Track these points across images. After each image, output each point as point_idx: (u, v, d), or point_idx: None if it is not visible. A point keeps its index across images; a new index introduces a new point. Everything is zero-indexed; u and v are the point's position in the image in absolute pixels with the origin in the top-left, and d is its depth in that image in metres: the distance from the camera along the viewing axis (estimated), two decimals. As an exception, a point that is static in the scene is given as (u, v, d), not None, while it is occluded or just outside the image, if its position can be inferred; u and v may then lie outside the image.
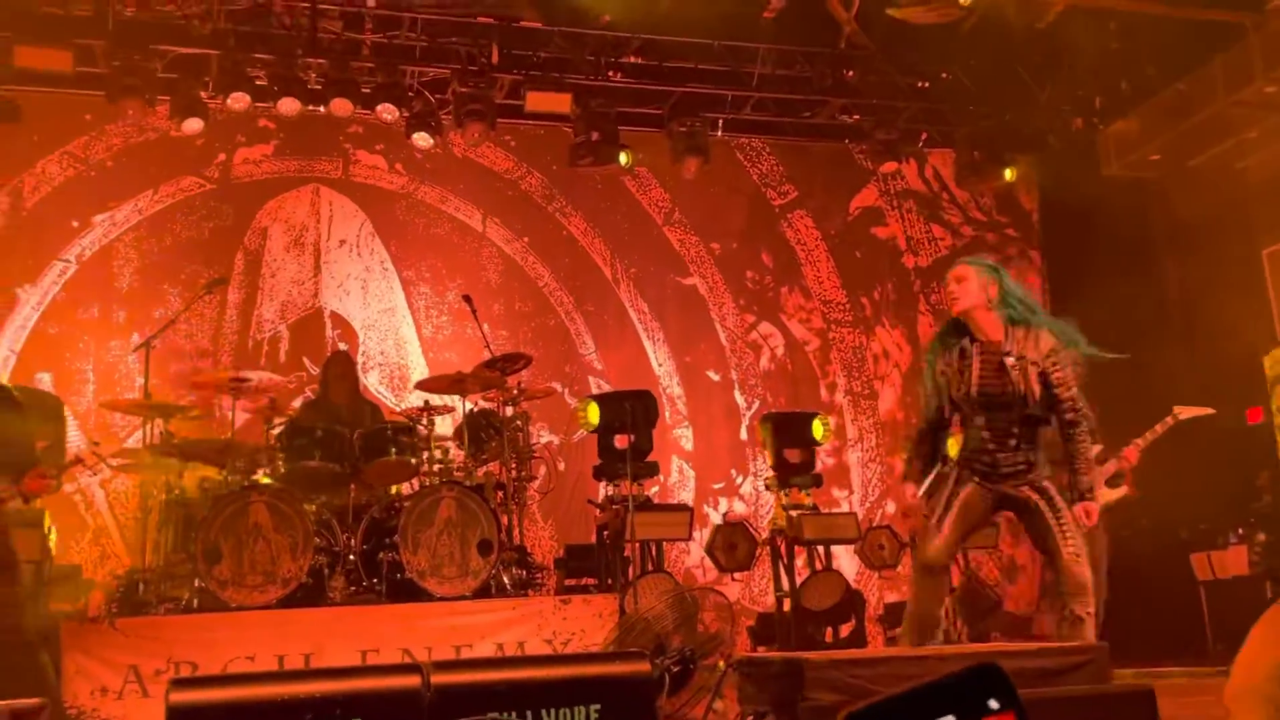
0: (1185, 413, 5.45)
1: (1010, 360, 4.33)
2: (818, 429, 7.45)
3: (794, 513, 7.31)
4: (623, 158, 8.30)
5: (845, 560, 7.82)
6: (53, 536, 6.38)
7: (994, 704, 0.93)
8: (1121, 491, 5.49)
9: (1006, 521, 8.68)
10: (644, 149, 8.54)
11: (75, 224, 7.89)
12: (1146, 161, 8.05)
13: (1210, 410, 5.54)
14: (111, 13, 7.14)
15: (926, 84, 8.51)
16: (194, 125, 7.50)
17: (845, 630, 7.12)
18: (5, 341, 7.45)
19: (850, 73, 8.34)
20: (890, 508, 8.87)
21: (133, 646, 5.40)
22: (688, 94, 8.40)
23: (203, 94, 7.50)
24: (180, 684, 3.18)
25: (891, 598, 8.07)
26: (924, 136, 9.08)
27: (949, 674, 0.95)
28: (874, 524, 8.06)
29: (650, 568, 6.82)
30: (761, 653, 6.71)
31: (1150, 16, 7.23)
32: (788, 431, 7.54)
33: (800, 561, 7.34)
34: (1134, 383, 6.03)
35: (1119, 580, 5.46)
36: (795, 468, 7.43)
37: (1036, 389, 4.29)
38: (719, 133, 8.73)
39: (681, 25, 7.76)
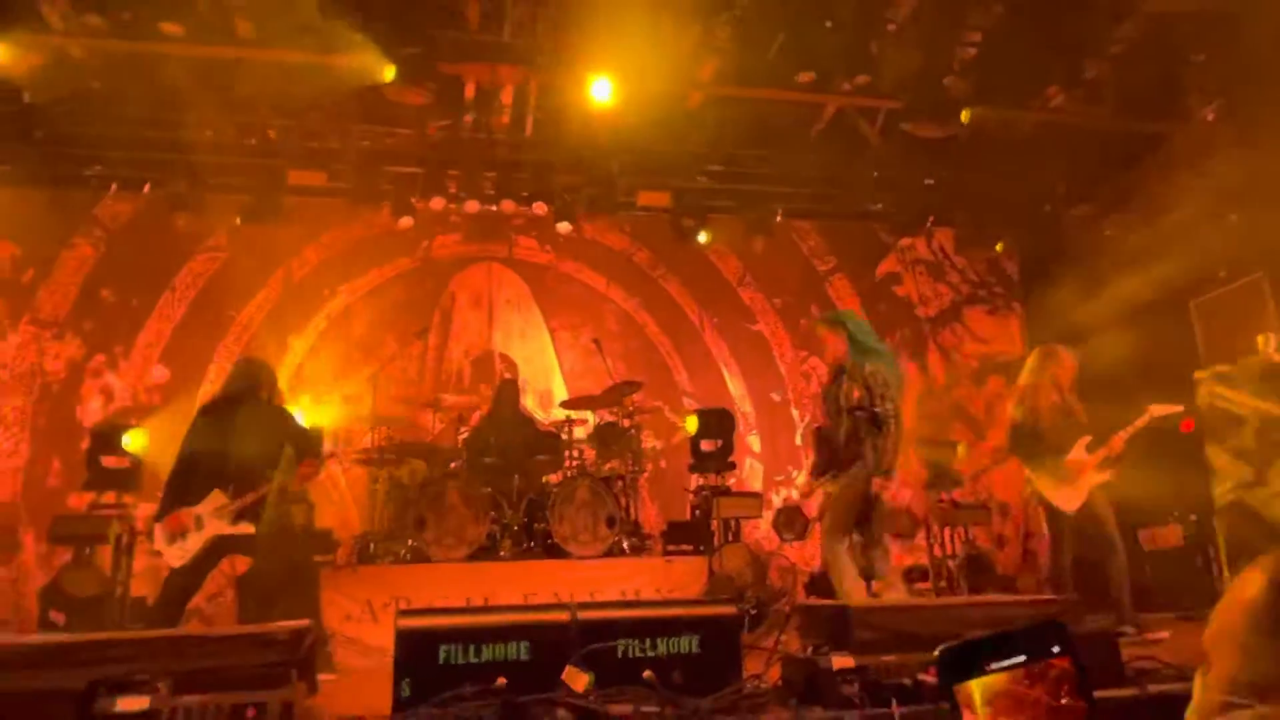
0: (1159, 410, 5.00)
1: (844, 383, 4.49)
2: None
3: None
4: (702, 236, 8.34)
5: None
6: (313, 508, 6.65)
7: (1056, 649, 0.95)
8: (1110, 473, 5.09)
9: (996, 504, 8.51)
10: (723, 229, 8.54)
11: (326, 292, 8.12)
12: (1101, 236, 7.85)
13: (1179, 408, 5.06)
14: (352, 145, 7.40)
15: (933, 180, 8.41)
16: (406, 221, 7.71)
17: (875, 586, 7.01)
18: (283, 376, 7.70)
19: (875, 173, 8.29)
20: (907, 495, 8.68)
21: (367, 586, 5.60)
22: (755, 190, 8.41)
23: (412, 199, 7.69)
24: (404, 613, 3.31)
25: (909, 560, 7.89)
26: (931, 219, 8.96)
27: (1024, 625, 0.97)
28: (896, 507, 7.91)
29: (730, 538, 6.79)
30: (814, 601, 6.66)
31: (1103, 129, 7.06)
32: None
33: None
34: (1100, 392, 5.68)
35: (1086, 551, 5.17)
36: (836, 465, 7.36)
37: (856, 401, 4.42)
38: (779, 217, 8.70)
39: (751, 141, 7.75)
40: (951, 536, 7.38)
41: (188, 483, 4.52)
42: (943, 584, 7.18)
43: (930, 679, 2.62)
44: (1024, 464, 5.28)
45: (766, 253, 8.62)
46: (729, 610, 3.27)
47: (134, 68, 6.26)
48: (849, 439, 4.47)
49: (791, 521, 7.28)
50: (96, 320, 7.66)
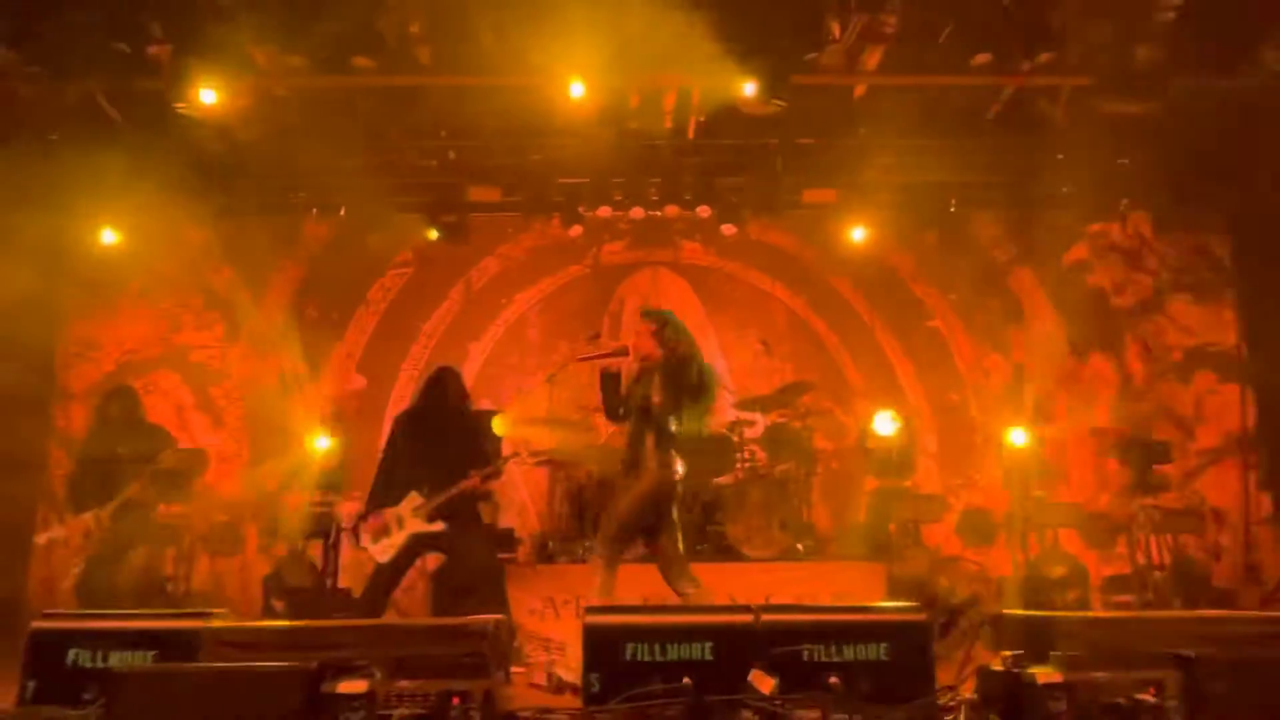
0: None
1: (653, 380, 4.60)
2: (1029, 439, 7.01)
3: (1028, 502, 6.86)
4: (860, 232, 8.04)
5: (1070, 540, 7.19)
6: (499, 508, 6.95)
7: None
8: None
9: (1210, 509, 7.75)
10: (894, 223, 8.10)
11: (503, 301, 8.48)
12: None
13: None
14: (525, 159, 7.64)
15: (1127, 160, 7.77)
16: (576, 230, 7.92)
17: (1071, 596, 6.59)
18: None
19: (1060, 155, 7.74)
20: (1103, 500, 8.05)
21: (547, 584, 5.82)
22: (927, 180, 7.95)
23: (581, 209, 7.87)
24: (591, 610, 3.43)
25: (1108, 571, 7.32)
26: (1125, 202, 8.26)
27: None
28: (1091, 512, 7.39)
29: (909, 543, 6.59)
30: (1011, 610, 6.33)
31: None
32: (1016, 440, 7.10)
33: (1033, 540, 6.87)
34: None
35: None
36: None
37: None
38: (952, 208, 8.21)
39: (921, 130, 7.40)
40: (1157, 545, 6.81)
41: (388, 484, 4.89)
42: (1149, 597, 6.64)
43: (1149, 699, 2.44)
44: None
45: (941, 245, 8.23)
46: (920, 617, 3.18)
47: (330, 100, 6.84)
48: (634, 437, 4.53)
49: (975, 526, 6.96)
50: (302, 334, 8.35)
